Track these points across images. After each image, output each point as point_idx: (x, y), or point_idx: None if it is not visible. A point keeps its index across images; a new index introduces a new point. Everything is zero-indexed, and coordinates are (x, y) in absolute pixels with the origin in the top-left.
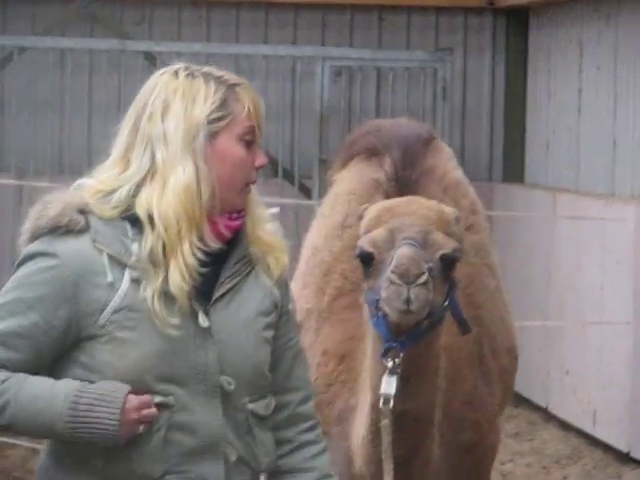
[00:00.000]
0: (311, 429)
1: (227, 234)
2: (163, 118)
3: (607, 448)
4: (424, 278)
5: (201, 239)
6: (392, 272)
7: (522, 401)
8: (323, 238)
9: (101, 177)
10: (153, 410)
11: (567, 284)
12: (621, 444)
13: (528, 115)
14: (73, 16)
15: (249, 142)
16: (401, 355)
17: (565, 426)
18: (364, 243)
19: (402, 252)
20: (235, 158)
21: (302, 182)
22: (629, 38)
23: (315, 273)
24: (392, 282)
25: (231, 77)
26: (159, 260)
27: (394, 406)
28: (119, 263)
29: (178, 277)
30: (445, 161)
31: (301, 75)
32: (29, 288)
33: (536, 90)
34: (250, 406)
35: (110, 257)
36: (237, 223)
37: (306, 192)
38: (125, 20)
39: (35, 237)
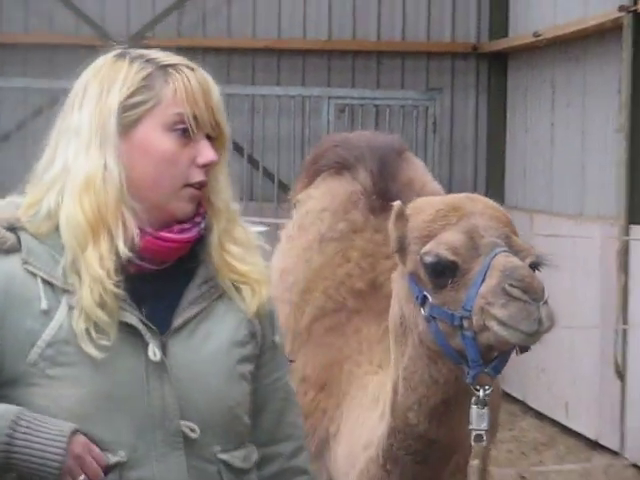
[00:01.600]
0: None
1: (154, 247)
2: (81, 105)
3: (578, 436)
4: (547, 293)
5: (116, 248)
6: (511, 286)
7: (503, 395)
8: (294, 258)
9: (34, 187)
10: (98, 469)
11: None
12: (590, 433)
13: (508, 146)
14: None
15: (184, 133)
16: (493, 382)
17: (541, 417)
18: (441, 250)
19: (512, 262)
20: (160, 152)
21: None
22: (595, 77)
23: (292, 291)
24: (515, 298)
25: (170, 58)
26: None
27: (423, 434)
28: (54, 288)
29: (86, 291)
30: (421, 174)
31: (309, 112)
32: None
33: (514, 124)
34: (222, 456)
35: (44, 281)
36: (186, 236)
37: None
38: None
39: None
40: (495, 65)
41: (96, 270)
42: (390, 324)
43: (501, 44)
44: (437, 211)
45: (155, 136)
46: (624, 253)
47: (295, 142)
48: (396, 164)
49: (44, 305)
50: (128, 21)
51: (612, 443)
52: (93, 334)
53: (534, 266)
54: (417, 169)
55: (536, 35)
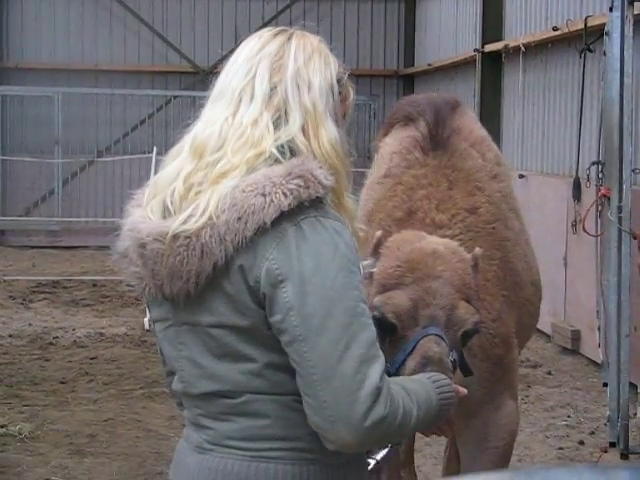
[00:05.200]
0: None
1: None
2: (307, 64)
3: None
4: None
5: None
6: (417, 369)
7: None
8: (366, 193)
9: (258, 131)
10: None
11: None
12: None
13: None
14: None
15: None
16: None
17: None
18: (387, 311)
19: (429, 349)
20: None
21: None
22: (461, 89)
23: (362, 222)
24: None
25: None
26: None
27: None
28: None
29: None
30: (470, 122)
31: None
32: (358, 270)
33: None
34: None
35: None
36: None
37: None
38: None
39: (305, 206)
40: (407, 82)
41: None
42: None
43: (410, 70)
44: (397, 267)
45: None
46: None
47: None
48: (448, 114)
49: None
50: (208, 54)
51: None
52: None
53: (467, 334)
54: (467, 119)
55: (429, 65)
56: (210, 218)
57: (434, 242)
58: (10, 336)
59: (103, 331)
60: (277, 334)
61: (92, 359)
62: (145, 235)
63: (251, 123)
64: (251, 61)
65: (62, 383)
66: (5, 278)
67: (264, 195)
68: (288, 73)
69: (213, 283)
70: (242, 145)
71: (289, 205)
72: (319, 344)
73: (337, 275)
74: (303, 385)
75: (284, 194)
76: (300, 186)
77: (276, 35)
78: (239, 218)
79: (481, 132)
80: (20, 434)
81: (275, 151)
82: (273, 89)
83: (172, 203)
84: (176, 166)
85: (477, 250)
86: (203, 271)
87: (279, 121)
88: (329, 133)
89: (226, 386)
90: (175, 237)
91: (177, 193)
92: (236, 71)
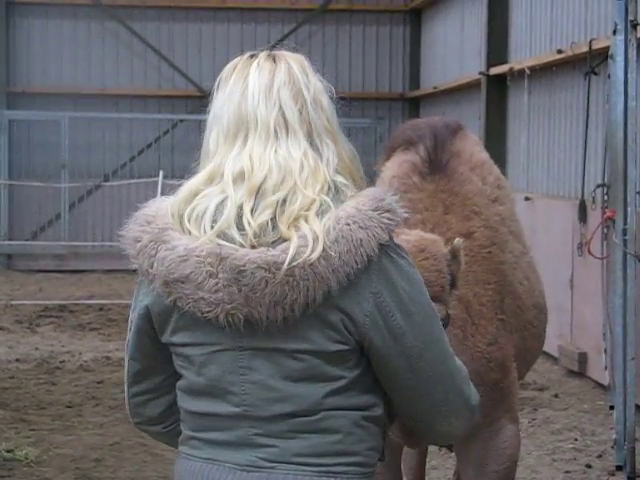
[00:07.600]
0: None
1: None
2: (315, 89)
3: None
4: None
5: None
6: None
7: None
8: None
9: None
10: None
11: None
12: None
13: None
14: None
15: None
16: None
17: None
18: None
19: None
20: None
21: None
22: (467, 110)
23: None
24: None
25: None
26: None
27: None
28: None
29: None
30: (472, 145)
31: None
32: None
33: None
34: None
35: None
36: None
37: None
38: None
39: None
40: (412, 105)
41: None
42: None
43: (415, 93)
44: None
45: None
46: None
47: None
48: (448, 138)
49: None
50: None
51: None
52: None
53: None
54: (468, 143)
55: (434, 88)
56: (324, 250)
57: (405, 240)
58: (17, 360)
59: (109, 355)
60: (381, 357)
61: (98, 383)
62: (244, 263)
63: (302, 155)
64: (270, 91)
65: (68, 407)
66: (12, 302)
67: (365, 229)
68: (307, 99)
69: (312, 311)
70: (307, 178)
71: (385, 239)
72: (432, 355)
73: (424, 292)
74: (414, 394)
75: (381, 228)
76: (391, 220)
77: (274, 60)
78: (349, 250)
79: (482, 155)
80: (26, 459)
81: (341, 179)
82: (300, 117)
83: (243, 237)
84: (231, 204)
85: (456, 241)
86: (313, 300)
87: (314, 147)
88: (346, 149)
89: (303, 406)
90: (289, 266)
91: (251, 230)
92: (256, 103)
